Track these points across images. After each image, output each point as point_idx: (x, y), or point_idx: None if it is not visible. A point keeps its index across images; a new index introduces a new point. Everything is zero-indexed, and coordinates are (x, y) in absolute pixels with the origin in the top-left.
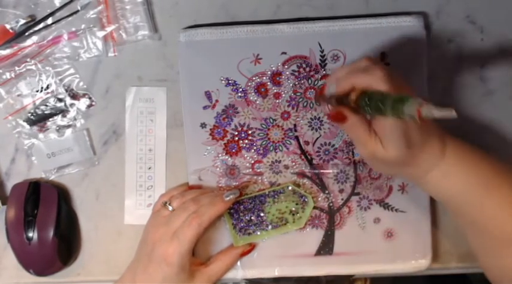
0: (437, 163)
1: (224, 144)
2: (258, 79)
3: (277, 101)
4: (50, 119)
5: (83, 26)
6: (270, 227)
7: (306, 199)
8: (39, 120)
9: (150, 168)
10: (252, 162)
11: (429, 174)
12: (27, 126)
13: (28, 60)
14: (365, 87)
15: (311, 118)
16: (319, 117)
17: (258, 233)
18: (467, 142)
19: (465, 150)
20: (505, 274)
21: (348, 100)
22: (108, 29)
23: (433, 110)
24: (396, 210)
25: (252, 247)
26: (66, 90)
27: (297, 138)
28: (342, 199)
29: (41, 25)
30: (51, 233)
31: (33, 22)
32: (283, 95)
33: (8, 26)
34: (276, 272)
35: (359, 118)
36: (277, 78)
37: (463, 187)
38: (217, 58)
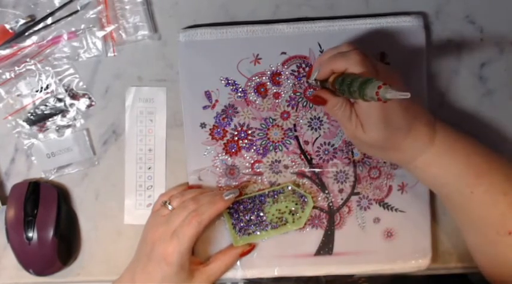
0: (424, 150)
1: (224, 143)
2: (258, 79)
3: (277, 101)
4: (50, 119)
5: (82, 26)
6: (269, 227)
7: (306, 199)
8: (38, 120)
9: (149, 168)
10: (252, 161)
11: (416, 160)
12: (27, 126)
13: (28, 60)
14: (342, 71)
15: (311, 118)
16: (319, 117)
17: (258, 233)
18: (459, 130)
19: (455, 137)
20: (498, 263)
21: (328, 84)
22: (108, 29)
23: (388, 92)
24: (396, 210)
25: (251, 247)
26: (66, 90)
27: (296, 137)
28: (342, 199)
29: (41, 25)
30: (51, 233)
31: (32, 22)
32: (283, 95)
33: (7, 26)
34: (276, 272)
35: (338, 101)
36: (277, 78)
37: (453, 176)
38: (216, 58)
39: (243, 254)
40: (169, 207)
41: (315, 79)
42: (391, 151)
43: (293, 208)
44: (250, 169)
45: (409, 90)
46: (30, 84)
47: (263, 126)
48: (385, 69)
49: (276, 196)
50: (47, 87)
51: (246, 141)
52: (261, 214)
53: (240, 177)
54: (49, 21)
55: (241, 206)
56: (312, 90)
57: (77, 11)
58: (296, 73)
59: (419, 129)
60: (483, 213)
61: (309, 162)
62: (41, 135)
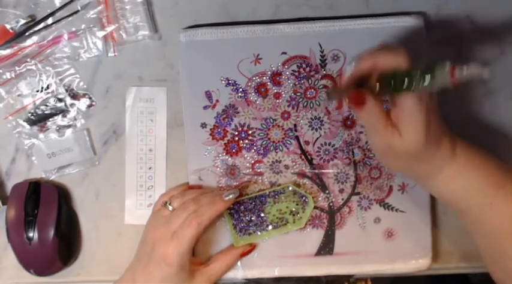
0: (448, 163)
1: (224, 144)
2: (258, 79)
3: (278, 101)
4: (50, 119)
5: (83, 26)
6: (270, 227)
7: (306, 199)
8: (39, 120)
9: (150, 168)
10: (252, 162)
11: (441, 173)
12: (28, 126)
13: (28, 60)
14: (388, 66)
15: (311, 118)
16: (320, 117)
17: (259, 233)
18: (474, 144)
19: (473, 150)
20: (510, 277)
21: (368, 85)
22: (108, 29)
23: (466, 68)
24: (396, 210)
25: (252, 247)
26: (67, 90)
27: (297, 138)
28: (342, 199)
29: (41, 25)
30: (51, 233)
31: (33, 22)
32: (284, 95)
33: (8, 26)
34: (276, 272)
35: (378, 104)
36: (278, 78)
37: (473, 189)
38: (217, 58)
39: (244, 254)
40: (170, 208)
41: (339, 88)
42: (423, 162)
43: (294, 209)
44: (250, 170)
45: None
46: (30, 84)
47: (264, 126)
48: None
49: (276, 197)
50: (48, 87)
51: (247, 141)
52: (262, 214)
53: (241, 177)
54: (49, 21)
55: (242, 206)
56: (312, 90)
57: (77, 11)
58: (297, 74)
59: (446, 140)
60: (501, 223)
61: (310, 162)
62: (41, 135)
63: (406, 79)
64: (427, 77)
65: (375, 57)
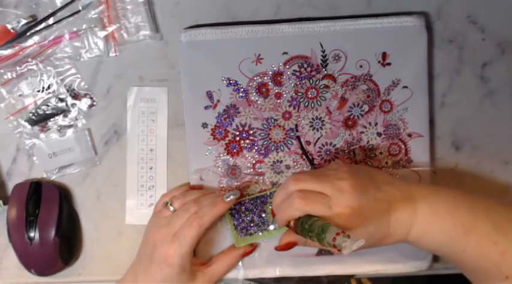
0: (411, 225)
1: (225, 144)
2: (259, 79)
3: (279, 101)
4: (51, 119)
5: (84, 26)
6: (271, 227)
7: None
8: (40, 120)
9: (151, 168)
10: (254, 162)
11: (408, 237)
12: (29, 126)
13: (29, 60)
14: (296, 217)
15: (312, 118)
16: (321, 117)
17: (260, 233)
18: (437, 187)
19: (436, 199)
20: None
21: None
22: (110, 29)
23: (346, 242)
24: None
25: (253, 247)
26: (68, 90)
27: (298, 138)
28: None
29: (42, 25)
30: (52, 233)
31: (34, 22)
32: (285, 95)
33: (9, 26)
34: (277, 272)
35: (307, 240)
36: (279, 78)
37: (444, 240)
38: (218, 58)
39: (245, 254)
40: (171, 208)
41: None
42: (384, 240)
43: None
44: (251, 170)
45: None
46: (31, 84)
47: (265, 126)
48: (332, 190)
49: None
50: (49, 87)
51: (248, 141)
52: (263, 214)
53: (242, 177)
54: (51, 21)
55: (243, 207)
56: (313, 90)
57: (78, 11)
58: (298, 74)
59: (398, 207)
60: (478, 265)
61: (311, 162)
62: (42, 135)
63: (309, 234)
64: (321, 238)
65: (281, 214)
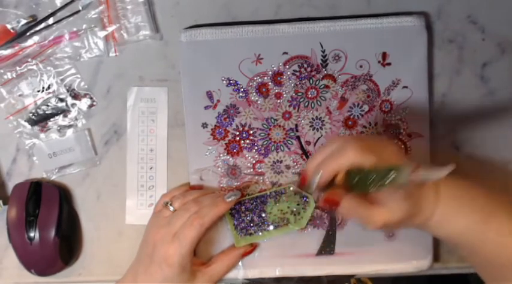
0: (434, 209)
1: (225, 144)
2: (259, 79)
3: (279, 101)
4: (51, 119)
5: (84, 26)
6: (271, 227)
7: (308, 199)
8: (40, 120)
9: (151, 168)
10: (254, 162)
11: (431, 220)
12: (29, 126)
13: (29, 60)
14: (347, 168)
15: (312, 118)
16: (321, 117)
17: (260, 233)
18: (459, 177)
19: (458, 185)
20: None
21: (335, 184)
22: (110, 29)
23: (425, 173)
24: None
25: (253, 247)
26: (68, 90)
27: (298, 138)
28: None
29: (42, 25)
30: (52, 233)
31: (34, 22)
32: (285, 95)
33: (9, 26)
34: (277, 272)
35: (352, 198)
36: (279, 78)
37: (464, 227)
38: (218, 58)
39: (245, 254)
40: (171, 208)
41: (309, 184)
42: (410, 219)
43: (295, 209)
44: (251, 170)
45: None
46: (31, 84)
47: (265, 126)
48: (379, 143)
49: (277, 197)
50: (49, 87)
51: (248, 141)
52: (263, 214)
53: (242, 177)
54: (51, 21)
55: (243, 207)
56: (313, 90)
57: (78, 11)
58: (298, 74)
59: (426, 189)
60: (495, 255)
61: None
62: (42, 135)
63: (367, 183)
64: (389, 177)
65: (332, 164)
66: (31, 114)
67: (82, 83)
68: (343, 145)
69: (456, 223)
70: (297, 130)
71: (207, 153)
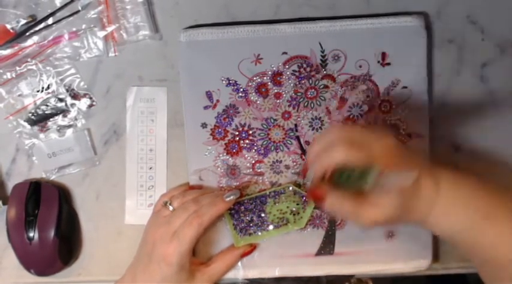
0: (433, 205)
1: (225, 144)
2: (259, 79)
3: (278, 101)
4: (51, 119)
5: (83, 26)
6: (271, 227)
7: (307, 199)
8: (40, 120)
9: (151, 168)
10: (253, 162)
11: (430, 216)
12: (28, 126)
13: (29, 60)
14: (334, 166)
15: (312, 118)
16: (320, 117)
17: (259, 233)
18: (460, 172)
19: (459, 182)
20: None
21: (325, 180)
22: (109, 29)
23: (391, 176)
24: None
25: (253, 247)
26: (67, 90)
27: (297, 138)
28: None
29: (42, 25)
30: (52, 233)
31: (33, 22)
32: (284, 95)
33: (8, 26)
34: (277, 272)
35: (338, 194)
36: (278, 78)
37: (462, 225)
38: (218, 58)
39: (244, 254)
40: (170, 208)
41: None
42: (408, 215)
43: (294, 209)
44: (251, 170)
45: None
46: (31, 84)
47: (264, 126)
48: (373, 136)
49: (277, 197)
50: (48, 87)
51: (247, 141)
52: (262, 214)
53: (241, 177)
54: (50, 21)
55: (242, 206)
56: (313, 90)
57: (78, 11)
58: (297, 74)
59: (425, 183)
60: (494, 254)
61: None
62: (42, 135)
63: (349, 182)
64: (361, 182)
65: (319, 163)
66: (30, 114)
67: (81, 83)
68: (333, 141)
69: (455, 221)
70: (296, 130)
71: (207, 153)
